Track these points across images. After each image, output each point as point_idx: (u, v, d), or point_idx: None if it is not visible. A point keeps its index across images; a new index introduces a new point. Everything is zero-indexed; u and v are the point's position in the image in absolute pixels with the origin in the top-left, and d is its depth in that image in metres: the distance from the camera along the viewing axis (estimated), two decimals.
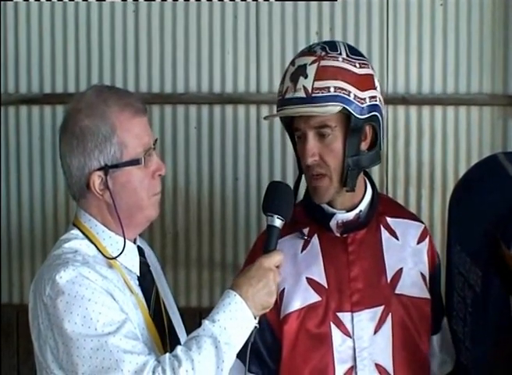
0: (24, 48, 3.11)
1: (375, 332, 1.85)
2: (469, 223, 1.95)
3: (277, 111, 1.88)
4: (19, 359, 3.11)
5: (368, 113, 1.82)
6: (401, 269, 1.91)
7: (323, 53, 1.83)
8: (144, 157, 1.69)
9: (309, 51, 1.86)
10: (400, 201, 2.89)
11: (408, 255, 1.93)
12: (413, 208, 2.92)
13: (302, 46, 2.21)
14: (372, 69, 1.88)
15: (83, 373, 1.55)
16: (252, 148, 3.04)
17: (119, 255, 1.68)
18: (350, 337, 1.85)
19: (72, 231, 1.72)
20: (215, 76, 3.05)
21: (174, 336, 1.79)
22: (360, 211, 1.90)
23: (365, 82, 1.83)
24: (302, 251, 1.91)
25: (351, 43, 2.38)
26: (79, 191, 1.70)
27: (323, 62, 1.81)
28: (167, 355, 1.57)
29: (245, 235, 3.04)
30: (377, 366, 1.85)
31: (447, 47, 2.97)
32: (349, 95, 1.79)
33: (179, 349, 1.57)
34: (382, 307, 1.87)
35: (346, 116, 1.80)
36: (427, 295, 1.93)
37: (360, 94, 1.81)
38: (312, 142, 1.82)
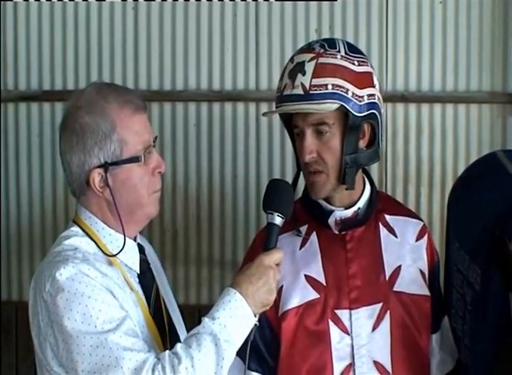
0: (23, 44, 3.11)
1: (374, 329, 1.86)
2: (468, 220, 1.95)
3: (275, 108, 1.88)
4: (17, 357, 3.11)
5: (366, 111, 1.82)
6: (400, 266, 1.91)
7: (322, 50, 1.83)
8: (144, 154, 1.69)
9: (308, 48, 1.86)
10: (399, 198, 2.89)
11: (407, 253, 1.93)
12: (412, 206, 2.92)
13: (301, 43, 2.21)
14: (371, 66, 1.88)
15: (83, 370, 1.55)
16: (251, 145, 3.04)
17: (119, 253, 1.68)
18: (349, 334, 1.85)
19: (73, 228, 1.72)
20: (215, 73, 3.05)
21: (174, 333, 1.80)
22: (359, 208, 1.90)
23: (364, 80, 1.83)
24: (300, 249, 1.91)
25: (351, 41, 2.37)
26: (79, 188, 1.70)
27: (321, 60, 1.81)
28: (167, 352, 1.57)
29: (244, 232, 3.04)
30: (375, 363, 1.85)
31: (446, 45, 2.97)
32: (347, 93, 1.79)
33: (178, 347, 1.57)
34: (380, 304, 1.87)
35: (344, 113, 1.81)
36: (426, 292, 1.93)
37: (359, 92, 1.81)
38: (310, 139, 1.82)
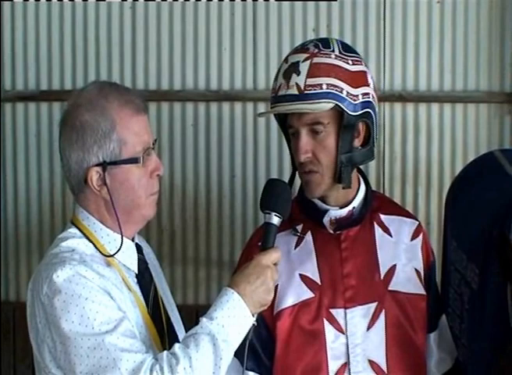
0: (21, 44, 3.11)
1: (368, 328, 1.86)
2: (466, 220, 1.95)
3: (270, 108, 1.88)
4: (16, 357, 3.10)
5: (361, 110, 1.82)
6: (395, 265, 1.91)
7: (316, 50, 1.83)
8: (143, 156, 1.68)
9: (302, 48, 1.86)
10: (397, 198, 2.90)
11: (402, 252, 1.93)
12: (409, 206, 2.93)
13: (299, 43, 2.21)
14: (366, 65, 1.88)
15: (81, 371, 1.55)
16: (249, 144, 3.04)
17: (116, 253, 1.68)
18: (343, 333, 1.85)
19: (70, 230, 1.72)
20: (212, 73, 3.05)
21: (172, 333, 1.80)
22: (354, 208, 1.90)
23: (358, 79, 1.83)
24: (296, 248, 1.91)
25: (348, 41, 2.38)
26: (77, 186, 1.70)
27: (316, 59, 1.81)
28: (165, 352, 1.57)
29: (242, 232, 3.04)
30: (370, 362, 1.85)
31: (444, 44, 2.98)
32: (341, 92, 1.79)
33: (176, 347, 1.57)
34: (375, 303, 1.87)
35: (338, 112, 1.81)
36: (422, 291, 1.93)
37: (353, 91, 1.81)
38: (305, 139, 1.82)
